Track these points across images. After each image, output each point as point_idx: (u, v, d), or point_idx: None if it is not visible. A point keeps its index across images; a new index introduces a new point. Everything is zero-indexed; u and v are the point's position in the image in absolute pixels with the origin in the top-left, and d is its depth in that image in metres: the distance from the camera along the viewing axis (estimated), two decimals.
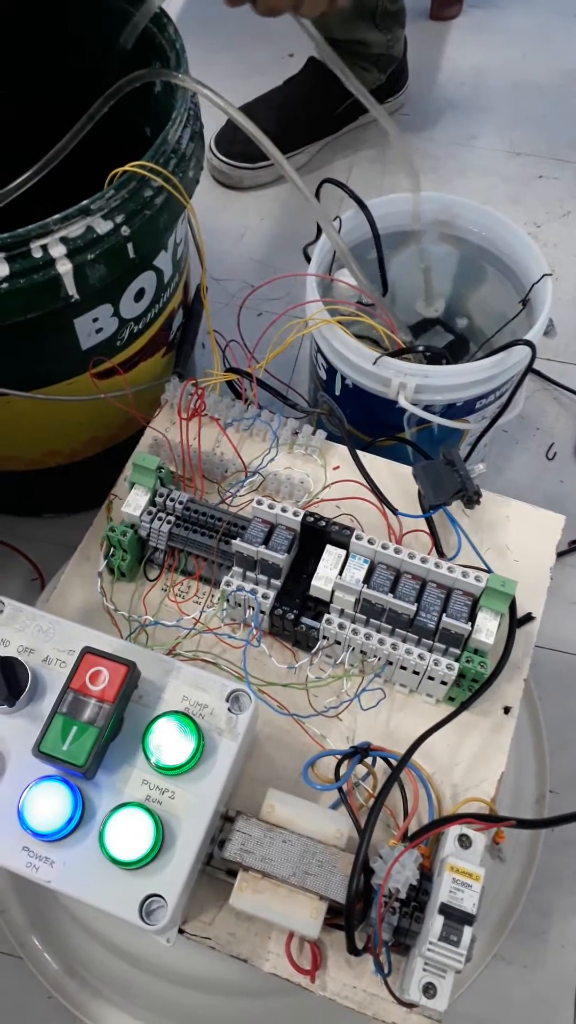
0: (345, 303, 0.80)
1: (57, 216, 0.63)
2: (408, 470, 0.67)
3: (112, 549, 0.64)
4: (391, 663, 0.58)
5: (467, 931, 0.47)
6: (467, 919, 0.47)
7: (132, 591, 0.65)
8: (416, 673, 0.58)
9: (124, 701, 0.51)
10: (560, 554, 0.68)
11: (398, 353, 0.78)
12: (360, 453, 0.69)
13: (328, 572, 0.58)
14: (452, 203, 0.87)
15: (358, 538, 0.59)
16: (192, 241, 0.81)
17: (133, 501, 0.63)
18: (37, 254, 0.63)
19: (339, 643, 0.59)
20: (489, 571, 0.59)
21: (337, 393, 0.84)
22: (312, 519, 0.60)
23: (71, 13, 0.84)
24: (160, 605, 0.64)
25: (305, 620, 0.60)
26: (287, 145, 1.29)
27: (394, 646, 0.57)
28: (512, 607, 0.60)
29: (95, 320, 0.72)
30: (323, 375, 0.85)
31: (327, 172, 1.35)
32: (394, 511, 0.65)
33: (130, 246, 0.67)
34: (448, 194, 0.87)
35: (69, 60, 0.88)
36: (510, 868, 0.79)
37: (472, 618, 0.57)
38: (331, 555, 0.59)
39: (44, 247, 0.63)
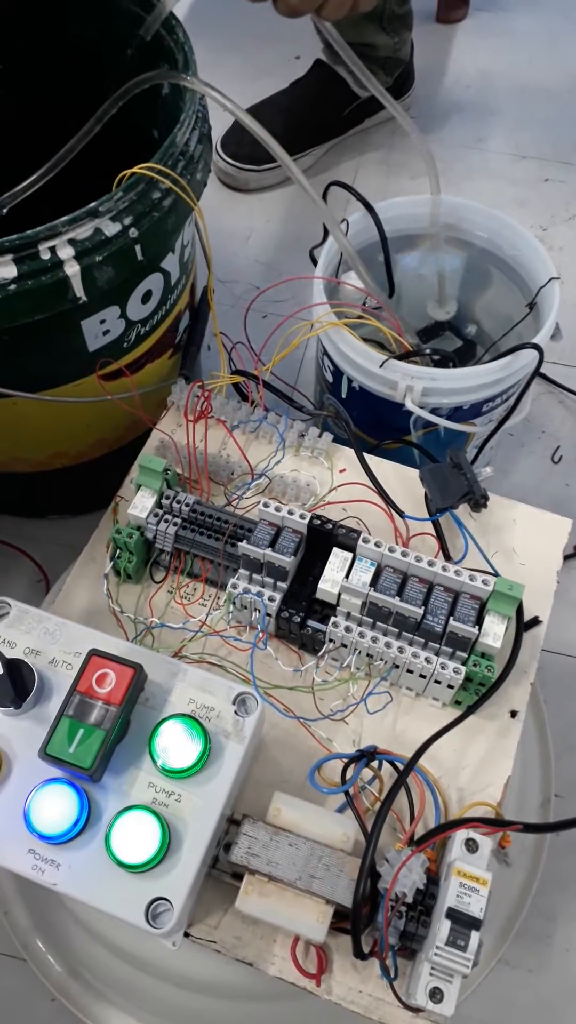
0: (352, 306, 0.80)
1: (65, 218, 0.63)
2: (414, 473, 0.67)
3: (118, 551, 0.64)
4: (398, 666, 0.58)
5: (474, 936, 0.47)
6: (474, 924, 0.47)
7: (138, 593, 0.65)
8: (423, 677, 0.58)
9: (131, 704, 0.51)
10: (567, 558, 0.67)
11: (405, 356, 0.78)
12: (367, 456, 0.68)
13: (335, 575, 0.58)
14: (458, 206, 0.87)
15: (365, 541, 0.59)
16: (199, 243, 0.81)
17: (139, 503, 0.63)
18: (45, 256, 0.63)
19: (345, 646, 0.59)
20: (496, 575, 0.59)
21: (343, 396, 0.84)
22: (319, 522, 0.60)
23: (70, 13, 0.84)
24: (166, 607, 0.64)
25: (311, 623, 0.60)
26: (293, 147, 1.29)
27: (401, 649, 0.57)
28: (519, 611, 0.59)
29: (102, 322, 0.72)
30: (329, 378, 0.85)
31: (333, 174, 1.35)
32: (401, 514, 0.65)
33: (138, 248, 0.67)
34: (454, 197, 0.86)
35: (69, 61, 0.88)
36: (515, 872, 0.79)
37: (479, 622, 0.57)
38: (338, 558, 0.59)
39: (52, 249, 0.63)
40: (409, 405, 0.76)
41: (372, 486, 0.67)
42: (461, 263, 0.90)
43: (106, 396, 0.75)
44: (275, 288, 1.10)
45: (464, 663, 0.57)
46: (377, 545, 0.58)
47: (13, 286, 0.62)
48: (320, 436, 0.70)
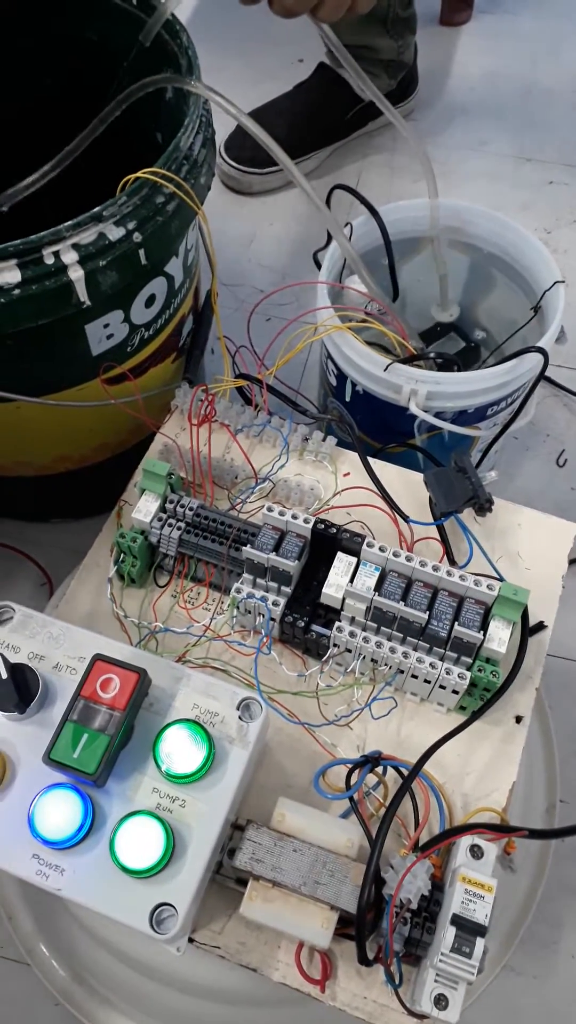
0: (355, 309, 0.80)
1: (69, 223, 0.63)
2: (419, 477, 0.67)
3: (122, 555, 0.63)
4: (402, 672, 0.58)
5: (479, 942, 0.47)
6: (479, 930, 0.47)
7: (142, 597, 0.64)
8: (427, 682, 0.58)
9: (135, 709, 0.51)
10: (572, 562, 0.67)
11: (409, 360, 0.78)
12: (371, 460, 0.68)
13: (339, 579, 0.58)
14: (462, 209, 0.86)
15: (369, 545, 0.58)
16: (203, 247, 0.81)
17: (143, 507, 0.63)
18: (49, 260, 0.63)
19: (350, 651, 0.59)
20: (501, 579, 0.59)
21: (347, 399, 0.84)
22: (323, 526, 0.60)
23: (69, 14, 0.84)
24: (170, 612, 0.64)
25: (316, 628, 0.60)
26: (296, 151, 1.29)
27: (405, 654, 0.57)
28: (524, 616, 0.59)
29: (106, 326, 0.72)
30: (333, 381, 0.85)
31: (336, 178, 1.35)
32: (405, 518, 0.65)
33: (142, 252, 0.67)
34: (458, 200, 0.86)
35: (71, 63, 0.88)
36: (520, 878, 0.79)
37: (484, 627, 0.57)
38: (342, 562, 0.59)
39: (56, 254, 0.63)
40: (413, 409, 0.76)
41: (376, 490, 0.67)
42: (465, 266, 0.90)
43: (110, 400, 0.75)
44: (279, 292, 1.10)
45: (469, 668, 0.57)
46: (381, 549, 0.58)
47: (17, 291, 0.62)
48: (324, 440, 0.70)
